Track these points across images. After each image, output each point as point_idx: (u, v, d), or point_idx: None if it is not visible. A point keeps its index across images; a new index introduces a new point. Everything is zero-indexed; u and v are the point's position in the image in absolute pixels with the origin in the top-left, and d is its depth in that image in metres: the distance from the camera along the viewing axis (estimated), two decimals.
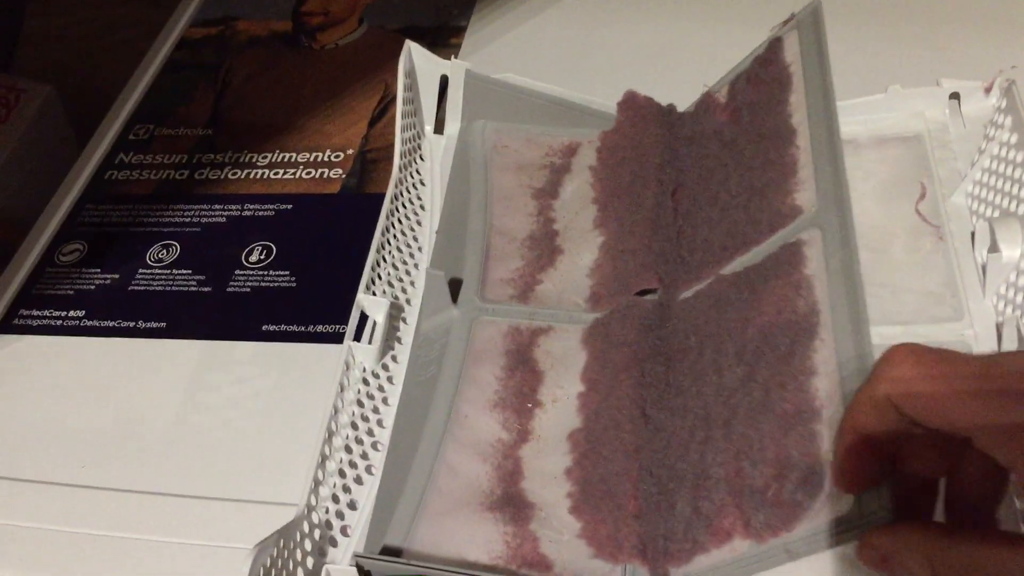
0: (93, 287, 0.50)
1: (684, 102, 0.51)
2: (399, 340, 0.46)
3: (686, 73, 0.52)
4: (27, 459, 0.43)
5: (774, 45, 0.47)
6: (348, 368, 0.43)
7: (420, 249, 0.50)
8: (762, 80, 0.46)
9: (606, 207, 0.47)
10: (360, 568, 0.34)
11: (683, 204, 0.45)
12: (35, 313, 0.49)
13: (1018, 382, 0.25)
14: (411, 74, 0.53)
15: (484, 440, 0.40)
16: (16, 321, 0.49)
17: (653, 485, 0.36)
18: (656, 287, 0.43)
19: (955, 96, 0.50)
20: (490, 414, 0.40)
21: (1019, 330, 0.39)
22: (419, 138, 0.54)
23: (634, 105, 0.50)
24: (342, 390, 0.43)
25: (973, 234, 0.44)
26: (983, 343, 0.41)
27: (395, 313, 0.46)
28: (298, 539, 0.37)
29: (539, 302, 0.44)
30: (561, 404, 0.41)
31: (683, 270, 0.43)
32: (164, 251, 0.51)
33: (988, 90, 0.49)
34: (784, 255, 0.39)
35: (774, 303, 0.38)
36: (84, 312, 0.49)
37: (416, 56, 0.52)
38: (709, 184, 0.45)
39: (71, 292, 0.50)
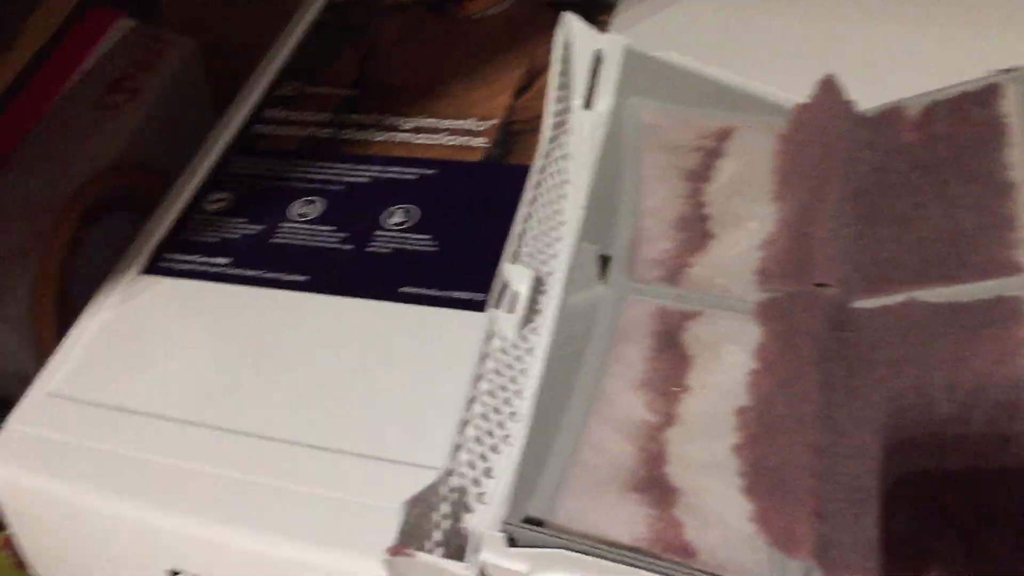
0: (238, 236, 0.50)
1: None
2: (539, 312, 0.45)
3: (848, 69, 0.50)
4: (170, 398, 0.44)
5: (990, 89, 0.46)
6: (489, 337, 0.43)
7: (563, 223, 0.49)
8: (971, 120, 0.45)
9: (787, 182, 0.45)
10: (507, 535, 0.33)
11: (862, 209, 0.44)
12: (180, 257, 0.50)
13: None
14: (566, 46, 0.52)
15: (629, 419, 0.39)
16: (162, 264, 0.50)
17: (838, 491, 0.35)
18: (834, 285, 0.41)
19: None
20: (635, 394, 0.40)
21: None
22: (568, 112, 0.53)
23: (832, 90, 0.48)
24: (483, 359, 0.42)
25: None
26: None
27: (537, 285, 0.46)
28: (436, 502, 0.37)
29: (689, 284, 0.43)
30: (711, 391, 0.40)
31: (861, 278, 0.42)
32: (307, 207, 0.51)
33: None
34: (1003, 308, 0.38)
35: (993, 353, 0.36)
36: (229, 260, 0.49)
37: (573, 28, 0.52)
38: (895, 201, 0.43)
39: (216, 240, 0.50)
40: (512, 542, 0.33)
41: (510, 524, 0.34)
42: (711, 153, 0.49)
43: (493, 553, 0.33)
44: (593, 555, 0.32)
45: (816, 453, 0.36)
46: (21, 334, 0.67)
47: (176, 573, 0.40)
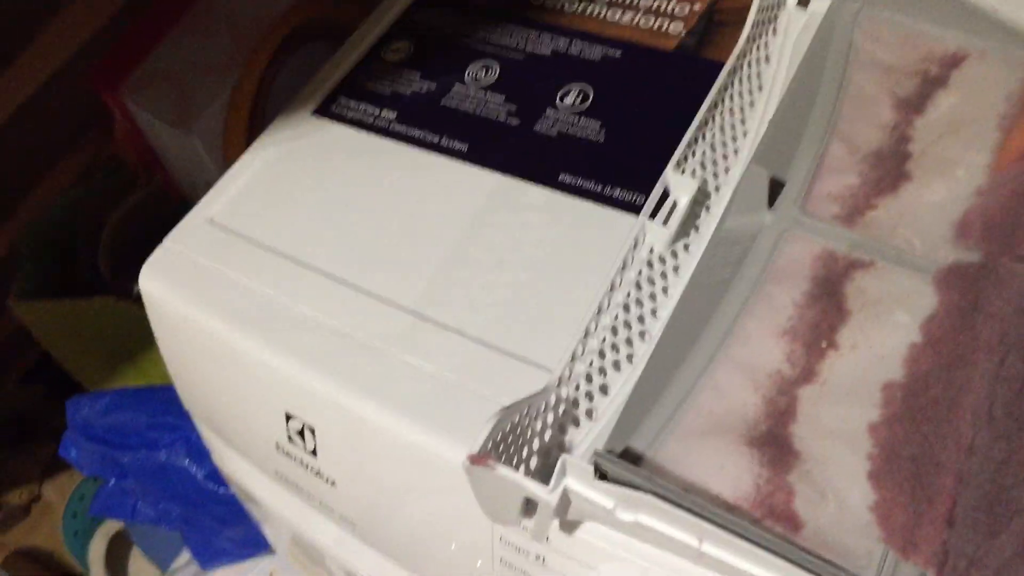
0: (409, 92, 0.49)
1: None
2: (696, 229, 0.42)
3: None
4: (313, 247, 0.44)
5: None
6: (636, 246, 0.40)
7: (745, 134, 0.45)
8: None
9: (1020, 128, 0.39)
10: (597, 467, 0.32)
11: None
12: (351, 104, 0.49)
13: None
14: None
15: (762, 367, 0.36)
16: (334, 108, 0.50)
17: (980, 498, 0.31)
18: None
19: None
20: (776, 341, 0.36)
21: None
22: (778, 7, 0.48)
23: None
24: (624, 267, 0.40)
25: None
26: None
27: (700, 198, 0.42)
28: (542, 409, 0.36)
29: (867, 230, 0.39)
30: (862, 354, 0.36)
31: None
32: (483, 71, 0.49)
33: None
34: None
35: None
36: (396, 114, 0.48)
37: None
38: None
39: (388, 92, 0.49)
40: (603, 475, 0.32)
41: (603, 456, 0.32)
42: (933, 81, 0.43)
43: (579, 482, 0.31)
44: (684, 508, 0.31)
45: (964, 452, 0.32)
46: (211, 147, 0.70)
47: (290, 416, 0.41)
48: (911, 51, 0.44)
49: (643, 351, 0.38)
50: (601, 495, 0.31)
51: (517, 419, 0.34)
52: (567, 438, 0.36)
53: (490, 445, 0.32)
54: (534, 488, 0.31)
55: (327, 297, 0.42)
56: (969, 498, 0.31)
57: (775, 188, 0.40)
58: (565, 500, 0.32)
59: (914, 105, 0.42)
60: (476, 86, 0.49)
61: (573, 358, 0.37)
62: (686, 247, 0.41)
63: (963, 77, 0.43)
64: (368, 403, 0.38)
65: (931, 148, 0.41)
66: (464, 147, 0.46)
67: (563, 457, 0.32)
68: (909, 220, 0.39)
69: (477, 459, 0.31)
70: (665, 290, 0.40)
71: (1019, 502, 0.31)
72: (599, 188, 0.44)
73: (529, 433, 0.35)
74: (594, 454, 0.32)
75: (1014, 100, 0.41)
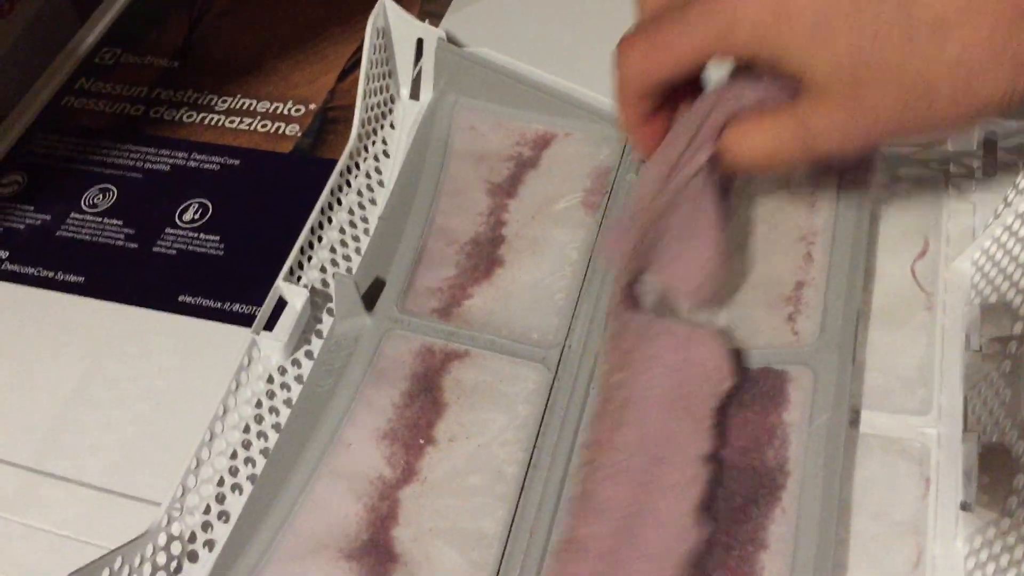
0: (23, 226, 0.47)
1: None
2: (318, 334, 0.42)
3: None
4: None
5: None
6: (250, 363, 0.40)
7: (367, 232, 0.46)
8: None
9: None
10: None
11: None
12: None
13: None
14: (384, 32, 0.48)
15: (363, 475, 0.36)
16: None
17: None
18: None
19: (991, 133, 0.43)
20: (376, 446, 0.37)
21: (979, 443, 0.33)
22: (391, 102, 0.49)
23: None
24: (237, 388, 0.40)
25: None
26: (945, 446, 0.35)
27: (320, 302, 0.43)
28: (149, 552, 0.35)
29: (463, 320, 0.40)
30: (458, 444, 0.37)
31: None
32: (101, 196, 0.48)
33: None
34: (764, 384, 0.35)
35: (742, 442, 0.34)
36: (7, 253, 0.46)
37: (391, 13, 0.47)
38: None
39: (0, 229, 0.47)
40: None
41: None
42: (525, 163, 0.45)
43: None
44: None
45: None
46: None
47: None
48: (505, 136, 0.46)
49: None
50: None
51: (107, 573, 0.33)
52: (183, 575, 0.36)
53: None
54: None
55: None
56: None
57: (376, 288, 0.41)
58: None
59: (506, 190, 0.44)
60: (93, 212, 0.47)
61: (184, 490, 0.37)
62: (309, 354, 0.41)
63: (552, 157, 0.45)
64: None
65: (524, 230, 0.43)
66: (81, 279, 0.45)
67: None
68: (502, 305, 0.41)
69: None
70: (289, 401, 0.40)
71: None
72: (218, 305, 0.44)
73: None
74: None
75: (598, 174, 0.44)
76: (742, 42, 0.26)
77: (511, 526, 0.34)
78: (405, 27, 0.47)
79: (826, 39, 0.25)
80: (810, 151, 0.28)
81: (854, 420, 0.36)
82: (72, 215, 0.47)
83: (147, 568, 0.35)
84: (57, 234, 0.47)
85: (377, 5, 0.47)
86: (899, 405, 0.36)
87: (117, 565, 0.33)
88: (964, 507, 0.33)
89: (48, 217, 0.47)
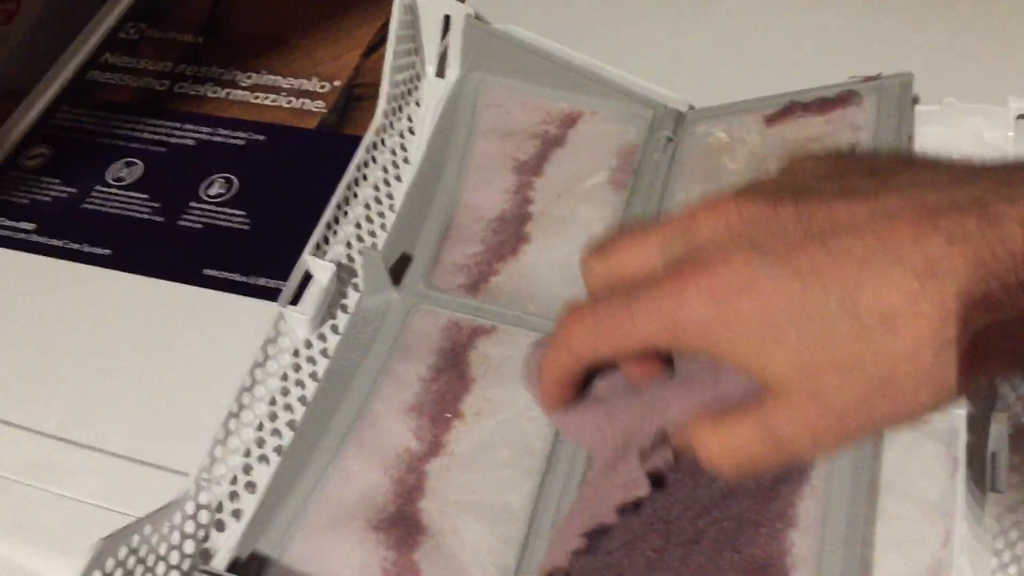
0: (49, 199, 0.47)
1: (701, 99, 0.45)
2: (344, 309, 0.42)
3: (707, 64, 0.46)
4: None
5: (848, 97, 0.41)
6: (276, 336, 0.40)
7: (392, 208, 0.46)
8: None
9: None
10: None
11: None
12: None
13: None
14: (411, 8, 0.47)
15: (390, 447, 0.36)
16: None
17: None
18: None
19: (1023, 118, 0.43)
20: (403, 419, 0.37)
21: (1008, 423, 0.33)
22: (417, 80, 0.49)
23: None
24: (264, 360, 0.40)
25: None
26: (974, 427, 0.35)
27: (346, 277, 0.43)
28: (178, 521, 0.35)
29: (490, 296, 0.40)
30: (485, 419, 0.37)
31: None
32: (126, 169, 0.48)
33: None
34: None
35: None
36: (35, 226, 0.46)
37: None
38: None
39: (27, 201, 0.47)
40: None
41: (205, 570, 0.32)
42: (551, 141, 0.45)
43: None
44: None
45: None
46: None
47: None
48: (531, 114, 0.46)
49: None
50: None
51: (137, 540, 0.33)
52: (211, 544, 0.36)
53: (98, 574, 0.31)
54: None
55: None
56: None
57: (403, 264, 0.41)
58: None
59: (533, 167, 0.44)
60: (119, 186, 0.47)
61: (212, 460, 0.37)
62: (334, 328, 0.41)
63: (578, 135, 0.45)
64: None
65: (550, 208, 0.43)
66: (107, 252, 0.45)
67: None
68: (529, 281, 0.41)
69: None
70: (315, 375, 0.40)
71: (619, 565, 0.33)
72: (244, 279, 0.44)
73: (164, 548, 0.34)
74: (199, 570, 0.32)
75: (624, 153, 0.44)
76: (688, 342, 0.25)
77: (537, 500, 0.34)
78: (432, 4, 0.47)
79: (776, 341, 0.24)
80: (782, 455, 0.26)
81: None
82: (97, 188, 0.47)
83: (176, 536, 0.35)
84: (83, 207, 0.47)
85: None
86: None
87: (147, 531, 0.33)
88: (993, 488, 0.33)
89: (74, 190, 0.48)
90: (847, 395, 0.24)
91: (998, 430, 0.33)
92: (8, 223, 0.47)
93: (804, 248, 0.23)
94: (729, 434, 0.26)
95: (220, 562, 0.35)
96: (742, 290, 0.24)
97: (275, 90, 0.50)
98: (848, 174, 0.25)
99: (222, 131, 0.49)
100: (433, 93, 0.49)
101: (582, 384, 0.28)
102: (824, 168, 0.25)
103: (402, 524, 0.35)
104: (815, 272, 0.23)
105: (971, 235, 0.22)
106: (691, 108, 0.46)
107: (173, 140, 0.49)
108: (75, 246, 0.45)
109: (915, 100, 0.43)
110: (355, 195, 0.45)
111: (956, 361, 0.23)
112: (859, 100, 0.42)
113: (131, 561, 0.33)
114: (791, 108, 0.43)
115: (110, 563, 0.32)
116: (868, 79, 0.42)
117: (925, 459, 0.34)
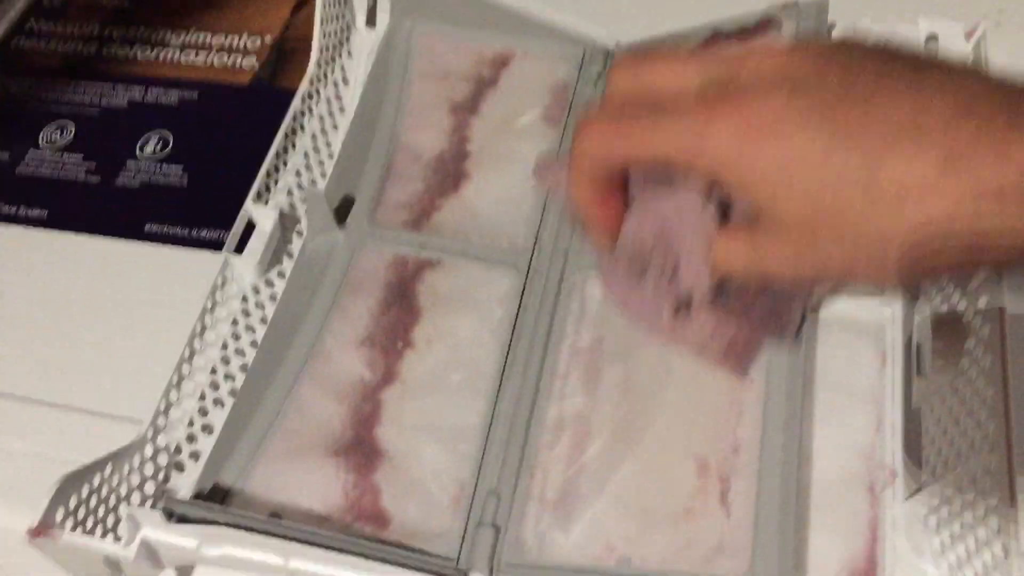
0: None
1: (628, 35, 0.46)
2: (289, 255, 0.43)
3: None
4: None
5: (767, 24, 0.43)
6: (224, 283, 0.41)
7: (332, 156, 0.46)
8: None
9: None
10: (171, 512, 0.32)
11: None
12: None
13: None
14: None
15: (344, 379, 0.37)
16: None
17: None
18: None
19: (933, 39, 0.45)
20: (356, 351, 0.38)
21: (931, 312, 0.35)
22: (348, 30, 0.50)
23: None
24: (213, 307, 0.40)
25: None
26: (899, 321, 0.37)
27: (289, 224, 0.43)
28: (137, 464, 0.35)
29: (434, 231, 0.41)
30: (436, 346, 0.38)
31: None
32: (58, 133, 0.48)
33: (969, 36, 0.44)
34: None
35: None
36: None
37: None
38: None
39: None
40: (182, 518, 0.32)
41: (174, 500, 0.32)
42: (485, 83, 0.46)
43: (155, 530, 0.31)
44: (266, 532, 0.31)
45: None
46: None
47: None
48: (464, 57, 0.47)
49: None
50: (181, 537, 0.31)
51: (98, 480, 0.33)
52: (172, 485, 0.36)
53: (61, 514, 0.31)
54: (109, 547, 0.31)
55: None
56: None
57: (346, 205, 0.42)
58: (149, 550, 0.31)
59: (469, 107, 0.45)
60: (51, 148, 0.47)
61: (167, 404, 0.37)
62: (281, 273, 0.42)
63: (511, 75, 0.46)
64: None
65: (488, 145, 0.44)
66: (44, 213, 0.45)
67: (127, 510, 0.31)
68: (471, 215, 0.42)
69: (38, 531, 0.30)
70: (264, 319, 0.41)
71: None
72: (185, 231, 0.44)
73: (124, 489, 0.35)
74: (164, 500, 0.32)
75: (556, 90, 0.45)
76: (705, 165, 0.26)
77: (492, 417, 0.36)
78: None
79: (788, 186, 0.25)
80: (758, 275, 0.28)
81: (815, 305, 0.38)
82: (31, 151, 0.47)
83: (135, 478, 0.35)
84: (17, 171, 0.46)
85: None
86: (855, 289, 0.38)
87: (108, 471, 0.34)
88: (919, 372, 0.35)
89: (7, 155, 0.47)
90: (838, 249, 0.25)
91: (921, 321, 0.35)
92: None
93: (842, 106, 0.25)
94: (723, 248, 0.29)
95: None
96: (770, 131, 0.25)
97: (206, 48, 0.50)
98: (893, 60, 0.26)
99: (154, 90, 0.49)
100: (364, 43, 0.50)
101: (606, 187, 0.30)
102: (872, 51, 0.27)
103: (360, 449, 0.35)
104: (847, 134, 0.24)
105: (996, 130, 0.23)
106: (618, 44, 0.47)
107: (104, 102, 0.49)
108: (11, 209, 0.45)
109: (832, 26, 0.45)
110: (293, 145, 0.45)
111: (951, 254, 0.24)
112: (778, 25, 0.43)
113: (93, 500, 0.33)
114: (714, 38, 0.44)
115: (73, 500, 0.32)
116: (786, 5, 0.44)
117: (856, 353, 0.36)
